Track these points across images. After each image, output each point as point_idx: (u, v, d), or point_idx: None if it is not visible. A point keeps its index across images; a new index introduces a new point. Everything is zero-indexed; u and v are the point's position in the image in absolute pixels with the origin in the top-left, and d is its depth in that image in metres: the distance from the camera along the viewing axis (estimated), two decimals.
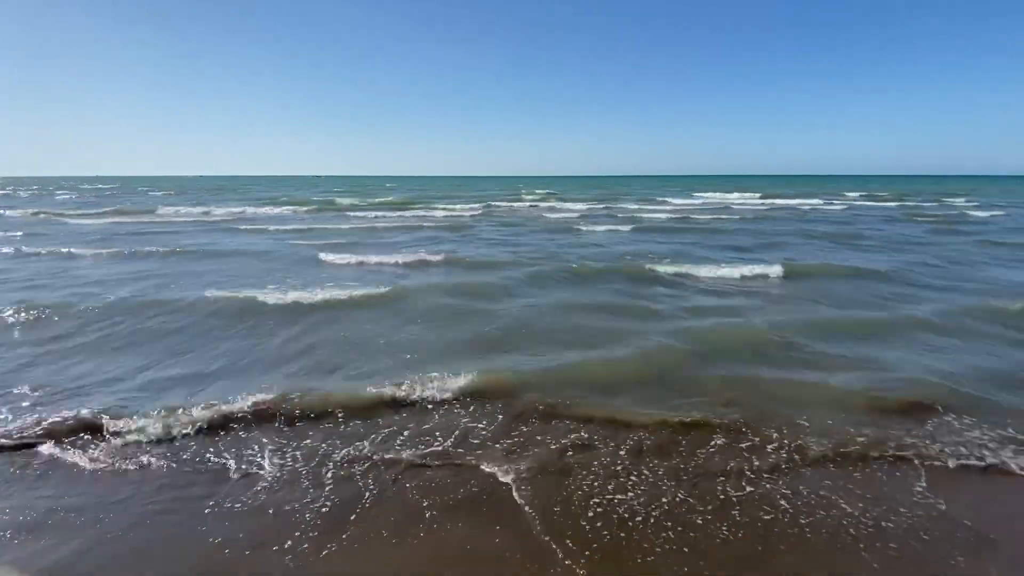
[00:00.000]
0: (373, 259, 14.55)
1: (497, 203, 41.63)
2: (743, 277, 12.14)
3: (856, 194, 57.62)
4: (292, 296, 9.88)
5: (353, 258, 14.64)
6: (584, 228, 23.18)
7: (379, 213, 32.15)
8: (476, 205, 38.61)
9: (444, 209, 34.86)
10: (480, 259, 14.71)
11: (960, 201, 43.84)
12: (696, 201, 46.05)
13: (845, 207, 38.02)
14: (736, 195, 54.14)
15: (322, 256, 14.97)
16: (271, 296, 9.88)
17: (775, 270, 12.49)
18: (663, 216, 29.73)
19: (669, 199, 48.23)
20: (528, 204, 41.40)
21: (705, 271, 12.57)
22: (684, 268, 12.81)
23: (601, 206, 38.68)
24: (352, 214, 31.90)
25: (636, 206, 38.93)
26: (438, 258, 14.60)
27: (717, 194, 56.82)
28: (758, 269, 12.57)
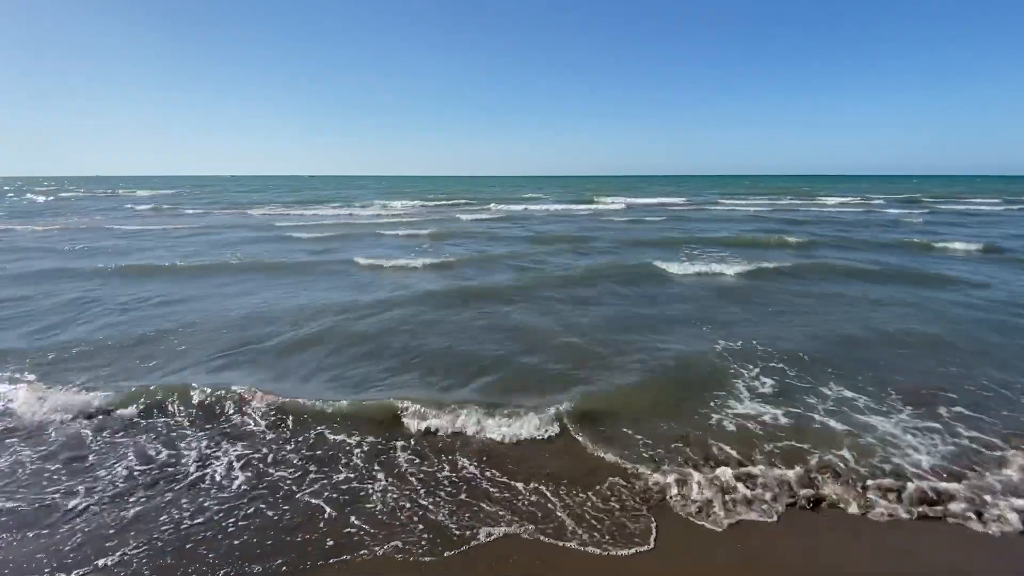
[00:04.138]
0: None
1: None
2: None
3: (881, 197, 52.31)
4: None
5: None
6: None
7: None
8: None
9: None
10: None
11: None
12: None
13: (926, 211, 33.23)
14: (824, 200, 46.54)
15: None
16: None
17: None
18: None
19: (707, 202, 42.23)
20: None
21: None
22: None
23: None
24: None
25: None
26: None
27: (779, 200, 45.63)
28: None
